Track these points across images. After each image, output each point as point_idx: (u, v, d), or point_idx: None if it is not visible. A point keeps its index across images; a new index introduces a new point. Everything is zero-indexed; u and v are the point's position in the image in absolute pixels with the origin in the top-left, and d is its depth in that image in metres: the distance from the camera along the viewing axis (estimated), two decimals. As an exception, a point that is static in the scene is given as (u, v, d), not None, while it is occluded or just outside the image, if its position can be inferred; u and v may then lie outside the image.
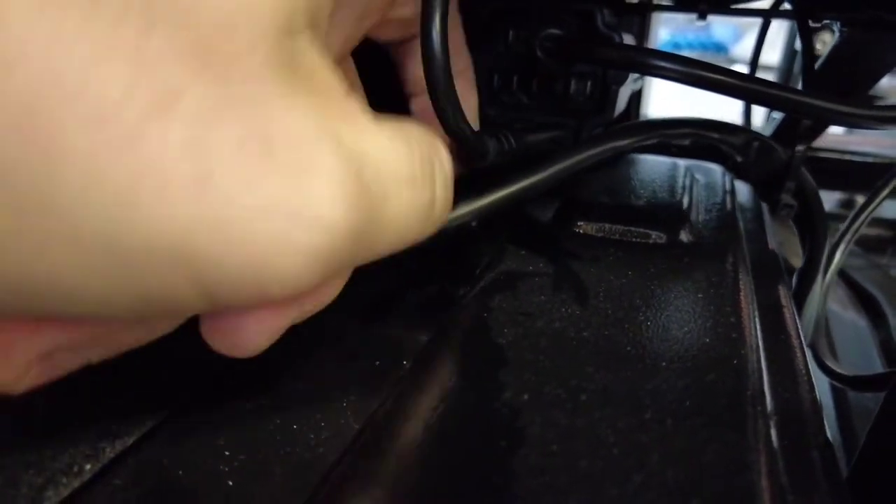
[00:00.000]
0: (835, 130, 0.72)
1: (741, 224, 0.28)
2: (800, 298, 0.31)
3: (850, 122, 0.25)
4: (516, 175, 0.22)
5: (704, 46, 3.96)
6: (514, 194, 0.22)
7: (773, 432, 0.15)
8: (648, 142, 0.23)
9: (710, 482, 0.13)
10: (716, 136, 0.24)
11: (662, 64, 0.25)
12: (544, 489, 0.13)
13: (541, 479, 0.13)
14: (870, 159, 0.57)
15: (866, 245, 0.54)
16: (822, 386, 0.40)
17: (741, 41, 3.21)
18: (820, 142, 0.59)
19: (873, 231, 0.54)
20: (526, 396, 0.15)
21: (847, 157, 0.58)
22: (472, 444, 0.14)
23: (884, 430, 0.24)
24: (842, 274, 0.48)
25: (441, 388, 0.16)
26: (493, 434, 0.14)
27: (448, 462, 0.13)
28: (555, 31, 0.28)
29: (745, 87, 0.24)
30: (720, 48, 3.56)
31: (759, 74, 0.49)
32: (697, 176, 0.31)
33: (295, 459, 0.15)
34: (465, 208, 0.21)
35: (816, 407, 0.18)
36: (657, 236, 0.24)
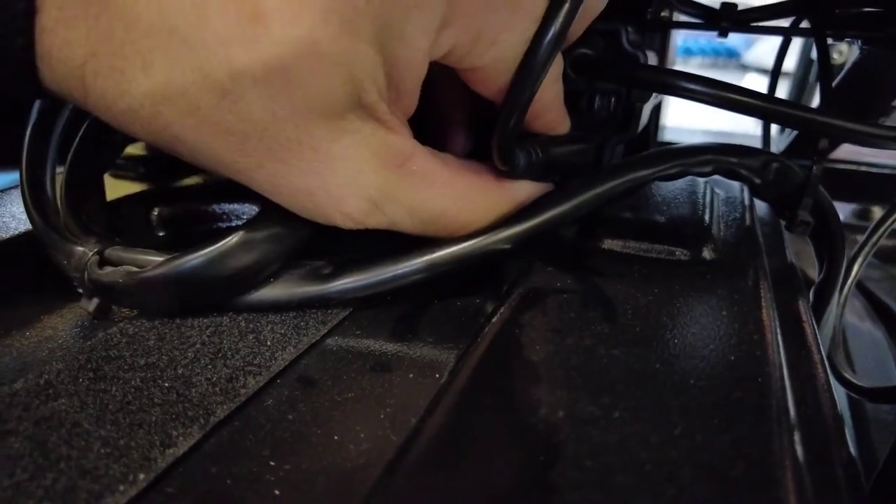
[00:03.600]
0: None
1: (761, 238, 0.28)
2: (818, 312, 0.31)
3: (873, 143, 0.26)
4: (545, 204, 0.23)
5: (717, 52, 3.96)
6: (545, 223, 0.23)
7: (798, 448, 0.16)
8: (670, 171, 0.24)
9: (739, 496, 0.14)
10: (734, 160, 0.25)
11: (690, 86, 0.26)
12: (581, 503, 0.13)
13: (577, 493, 0.14)
14: (887, 171, 0.58)
15: (884, 257, 0.54)
16: (838, 391, 0.40)
17: (753, 47, 3.20)
18: (836, 153, 0.59)
19: (891, 242, 0.54)
20: (561, 413, 0.16)
21: (863, 168, 0.58)
22: (512, 458, 0.15)
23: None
24: (859, 286, 0.48)
25: (478, 403, 0.16)
26: (531, 449, 0.15)
27: (489, 477, 0.14)
28: (586, 50, 0.29)
29: (769, 109, 0.25)
30: (732, 54, 3.55)
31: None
32: (717, 191, 0.31)
33: (337, 470, 0.16)
34: (497, 235, 0.22)
35: (839, 422, 0.19)
36: (681, 253, 0.25)
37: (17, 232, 0.27)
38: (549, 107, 0.24)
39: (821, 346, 0.22)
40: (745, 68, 3.19)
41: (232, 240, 0.21)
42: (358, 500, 0.14)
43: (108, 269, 0.22)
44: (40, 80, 0.17)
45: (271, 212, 0.22)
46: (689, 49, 4.07)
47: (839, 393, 0.38)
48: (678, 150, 0.24)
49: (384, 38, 0.17)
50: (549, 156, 0.25)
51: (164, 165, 0.34)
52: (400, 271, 0.22)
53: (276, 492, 0.15)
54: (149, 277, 0.22)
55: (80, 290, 0.24)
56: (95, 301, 0.23)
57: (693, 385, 0.17)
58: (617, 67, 0.28)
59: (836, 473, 0.16)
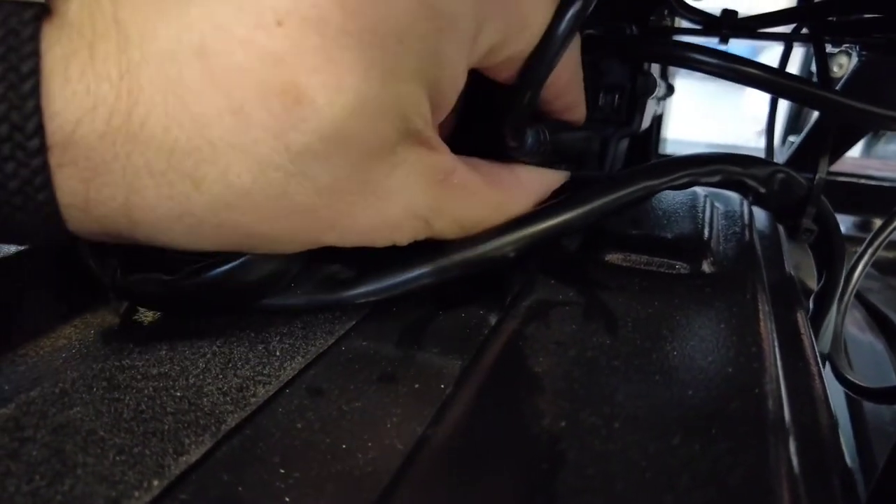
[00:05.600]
0: (852, 154, 0.73)
1: (760, 252, 0.29)
2: (818, 319, 0.32)
3: (881, 124, 0.26)
4: (551, 211, 0.23)
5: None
6: (550, 230, 0.23)
7: (795, 458, 0.16)
8: (680, 181, 0.24)
9: None
10: (741, 170, 0.25)
11: (699, 58, 0.26)
12: None
13: (579, 499, 0.14)
14: (887, 184, 0.58)
15: (883, 268, 0.54)
16: (838, 401, 0.40)
17: (760, 55, 3.21)
18: (839, 167, 0.60)
19: (891, 254, 0.55)
20: (563, 423, 0.16)
21: (863, 181, 0.59)
22: (516, 467, 0.15)
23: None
24: (859, 297, 0.49)
25: (483, 413, 0.17)
26: (535, 458, 0.15)
27: (493, 485, 0.14)
28: (589, 31, 0.29)
29: (778, 82, 0.25)
30: (735, 64, 3.57)
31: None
32: (717, 205, 0.32)
33: (346, 478, 0.16)
34: (503, 239, 0.23)
35: (835, 432, 0.19)
36: (681, 267, 0.25)
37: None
38: (569, 88, 0.25)
39: (818, 358, 0.23)
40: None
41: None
42: None
43: (139, 275, 0.23)
44: (66, 226, 0.17)
45: None
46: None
47: (839, 401, 0.38)
48: (687, 160, 0.25)
49: (425, 68, 0.18)
50: (558, 140, 0.25)
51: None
52: (412, 275, 0.23)
53: (287, 499, 0.16)
54: (178, 284, 0.22)
55: (111, 295, 0.24)
56: (125, 304, 0.24)
57: (692, 396, 0.17)
58: (624, 42, 0.28)
59: (832, 483, 0.17)
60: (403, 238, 0.21)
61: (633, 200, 0.24)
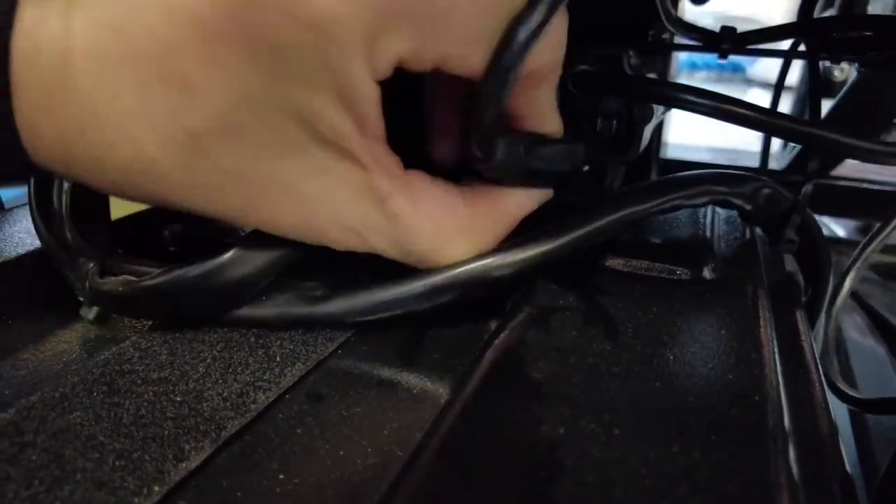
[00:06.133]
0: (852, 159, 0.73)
1: (761, 256, 0.29)
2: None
3: (871, 159, 0.26)
4: (539, 239, 0.23)
5: (722, 67, 3.97)
6: (526, 261, 0.23)
7: (794, 465, 0.16)
8: (667, 205, 0.24)
9: None
10: (726, 190, 0.25)
11: (692, 99, 0.26)
12: None
13: None
14: (887, 188, 0.58)
15: (885, 273, 0.54)
16: (840, 408, 0.40)
17: (758, 62, 3.21)
18: (841, 171, 0.60)
19: (892, 258, 0.55)
20: (562, 430, 0.16)
21: (865, 185, 0.59)
22: (514, 473, 0.15)
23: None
24: (860, 302, 0.49)
25: (481, 420, 0.17)
26: (534, 465, 0.15)
27: (491, 491, 0.14)
28: (584, 67, 0.29)
29: (769, 122, 0.26)
30: (737, 69, 3.57)
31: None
32: (719, 210, 0.32)
33: (345, 484, 0.16)
34: (492, 262, 0.23)
35: (835, 440, 0.19)
36: (682, 272, 0.25)
37: (31, 248, 0.27)
38: (540, 104, 0.23)
39: (818, 363, 0.23)
40: (750, 83, 3.20)
41: (227, 254, 0.22)
42: None
43: (109, 278, 0.23)
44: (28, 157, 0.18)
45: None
46: (694, 63, 4.08)
47: (841, 408, 0.38)
48: (675, 183, 0.25)
49: (313, 77, 0.18)
50: (536, 154, 0.23)
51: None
52: (390, 297, 0.23)
53: (286, 505, 0.16)
54: (145, 287, 0.23)
55: (81, 299, 0.25)
56: (95, 309, 0.24)
57: (691, 403, 0.17)
58: (618, 81, 0.28)
59: (831, 490, 0.17)
60: (337, 245, 0.22)
61: (620, 226, 0.24)
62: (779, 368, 0.20)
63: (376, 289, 0.23)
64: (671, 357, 0.20)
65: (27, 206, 0.31)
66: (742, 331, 0.21)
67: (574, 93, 0.30)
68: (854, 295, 0.35)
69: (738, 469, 0.15)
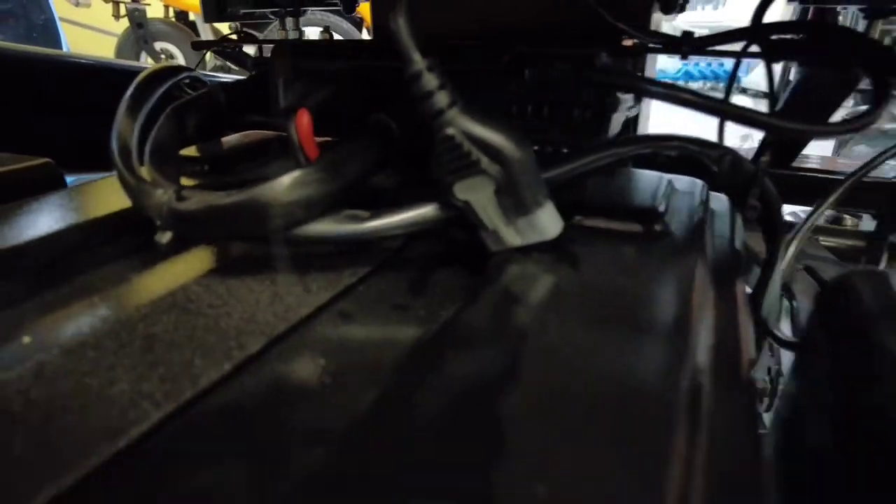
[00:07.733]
0: (825, 153, 0.79)
1: (709, 227, 0.34)
2: (762, 285, 0.37)
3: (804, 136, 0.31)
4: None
5: (716, 76, 4.05)
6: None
7: (706, 400, 0.20)
8: (644, 150, 0.30)
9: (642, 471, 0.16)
10: (696, 148, 0.31)
11: (652, 88, 0.32)
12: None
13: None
14: (839, 176, 0.63)
15: (843, 255, 0.60)
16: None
17: (751, 72, 3.28)
18: (811, 163, 0.65)
19: (850, 242, 0.60)
20: (509, 360, 0.22)
21: (833, 176, 0.64)
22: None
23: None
24: (816, 277, 0.54)
25: (465, 338, 0.23)
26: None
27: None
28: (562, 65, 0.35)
29: (713, 106, 0.31)
30: (732, 78, 3.64)
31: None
32: (677, 186, 0.37)
33: (373, 371, 0.22)
34: None
35: (751, 387, 0.23)
36: (636, 229, 0.31)
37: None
38: None
39: (747, 314, 0.27)
40: (745, 91, 3.27)
41: (293, 174, 0.27)
42: None
43: (187, 200, 0.27)
44: None
45: (324, 159, 0.27)
46: (689, 73, 4.16)
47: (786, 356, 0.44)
48: (652, 136, 0.31)
49: None
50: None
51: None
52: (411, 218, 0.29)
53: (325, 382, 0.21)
54: (222, 205, 0.26)
55: (158, 224, 0.28)
56: (168, 234, 0.28)
57: (622, 347, 0.21)
58: (590, 75, 0.34)
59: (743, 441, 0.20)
60: None
61: (606, 164, 0.30)
62: (712, 323, 0.25)
63: (401, 212, 0.28)
64: (615, 301, 0.25)
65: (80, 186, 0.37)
66: (681, 288, 0.26)
67: (557, 80, 0.36)
68: (810, 271, 0.40)
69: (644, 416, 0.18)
